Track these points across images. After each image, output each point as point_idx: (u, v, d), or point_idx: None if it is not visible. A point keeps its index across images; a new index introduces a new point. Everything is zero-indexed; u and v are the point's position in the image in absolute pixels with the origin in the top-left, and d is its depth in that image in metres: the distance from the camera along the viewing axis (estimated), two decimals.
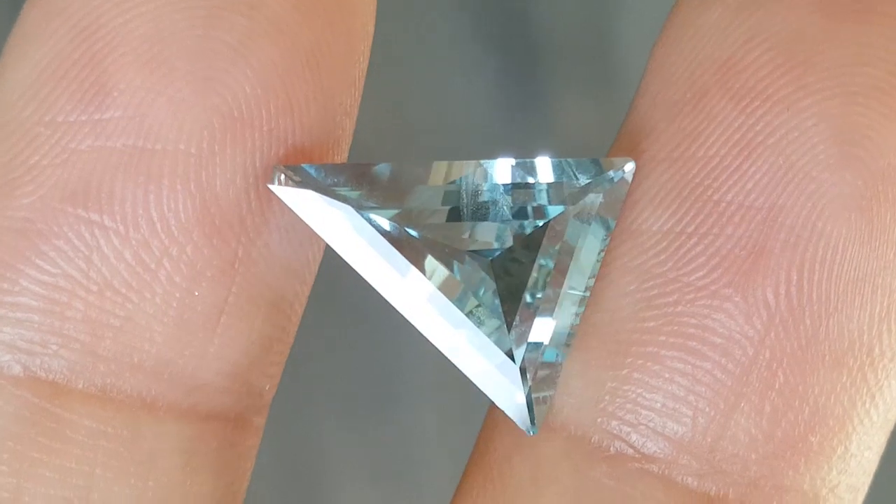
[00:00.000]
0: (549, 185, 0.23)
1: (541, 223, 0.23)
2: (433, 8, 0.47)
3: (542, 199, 0.23)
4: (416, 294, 0.23)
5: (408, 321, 0.23)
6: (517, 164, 0.23)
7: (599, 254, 0.23)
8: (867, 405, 0.23)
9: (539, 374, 0.23)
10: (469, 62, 0.48)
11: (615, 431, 0.23)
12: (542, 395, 0.23)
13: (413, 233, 0.22)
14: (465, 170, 0.23)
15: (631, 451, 0.23)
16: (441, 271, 0.23)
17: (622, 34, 0.47)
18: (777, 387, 0.22)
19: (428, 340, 0.23)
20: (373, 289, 0.22)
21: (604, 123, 0.23)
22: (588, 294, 0.23)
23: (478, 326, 0.23)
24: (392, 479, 0.48)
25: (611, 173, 0.22)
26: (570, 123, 0.47)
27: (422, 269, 0.22)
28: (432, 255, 0.23)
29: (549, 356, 0.23)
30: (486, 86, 0.48)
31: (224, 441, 0.23)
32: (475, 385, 0.23)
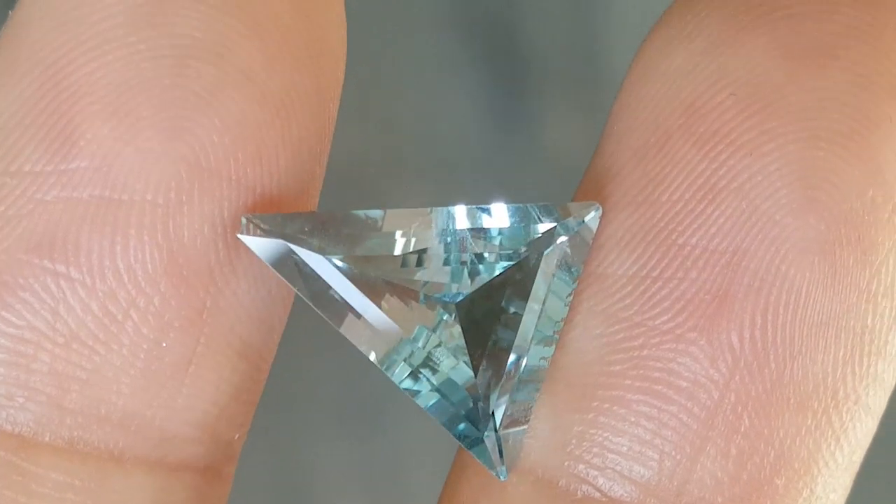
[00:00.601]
0: (509, 229, 0.23)
1: (504, 266, 0.23)
2: (421, 28, 0.47)
3: (510, 243, 0.23)
4: (380, 338, 0.23)
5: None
6: (482, 209, 0.23)
7: (567, 297, 0.23)
8: (832, 448, 0.23)
9: (508, 416, 0.23)
10: (458, 82, 0.48)
11: (582, 475, 0.23)
12: (511, 437, 0.23)
13: (376, 277, 0.22)
14: (432, 216, 0.23)
15: (598, 494, 0.23)
16: (404, 313, 0.23)
17: (611, 54, 0.48)
18: (742, 430, 0.23)
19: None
20: None
21: (592, 143, 0.23)
22: (556, 337, 0.23)
23: (446, 371, 0.23)
24: (383, 493, 0.48)
25: (576, 219, 0.23)
26: (558, 143, 0.48)
27: (385, 312, 0.22)
28: (396, 297, 0.23)
29: (518, 399, 0.23)
30: (475, 105, 0.48)
31: (193, 492, 0.23)
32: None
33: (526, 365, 0.23)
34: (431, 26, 0.47)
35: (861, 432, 0.23)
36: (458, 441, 0.23)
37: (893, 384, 0.24)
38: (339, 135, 0.24)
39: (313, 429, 0.48)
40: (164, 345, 0.22)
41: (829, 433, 0.23)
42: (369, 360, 0.23)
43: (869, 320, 0.23)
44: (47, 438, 0.22)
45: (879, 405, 0.23)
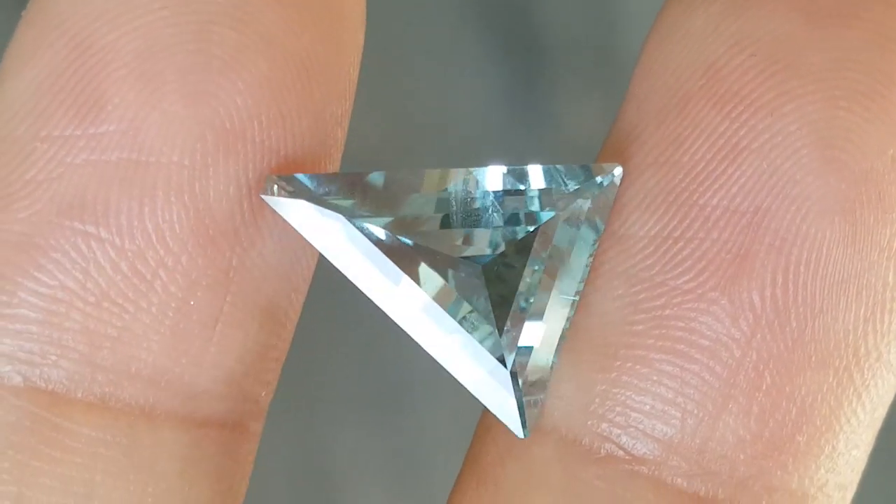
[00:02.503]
0: (539, 191, 0.23)
1: (532, 229, 0.23)
2: (435, 11, 0.48)
3: (533, 205, 0.23)
4: (408, 302, 0.23)
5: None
6: (508, 171, 0.23)
7: (588, 258, 0.23)
8: (854, 404, 0.23)
9: (530, 378, 0.23)
10: (472, 65, 0.48)
11: (605, 434, 0.23)
12: (533, 398, 0.23)
13: (406, 241, 0.23)
14: (457, 177, 0.23)
15: (621, 452, 0.23)
16: (434, 279, 0.23)
17: (625, 35, 0.48)
18: (764, 388, 0.23)
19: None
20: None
21: (607, 125, 0.24)
22: (578, 298, 0.23)
23: (470, 332, 0.23)
24: (402, 481, 0.48)
25: (599, 179, 0.23)
26: (573, 125, 0.48)
27: (415, 277, 0.23)
28: (425, 262, 0.23)
29: (540, 360, 0.23)
30: (489, 88, 0.48)
31: (222, 447, 0.24)
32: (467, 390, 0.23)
33: (548, 326, 0.23)
34: (446, 10, 0.47)
35: (883, 389, 0.23)
36: (481, 403, 0.24)
37: None
38: (355, 124, 0.24)
39: (333, 417, 0.48)
40: (192, 303, 0.22)
41: (851, 390, 0.23)
42: (384, 326, 0.23)
43: (890, 278, 0.23)
44: (80, 395, 0.23)
45: None
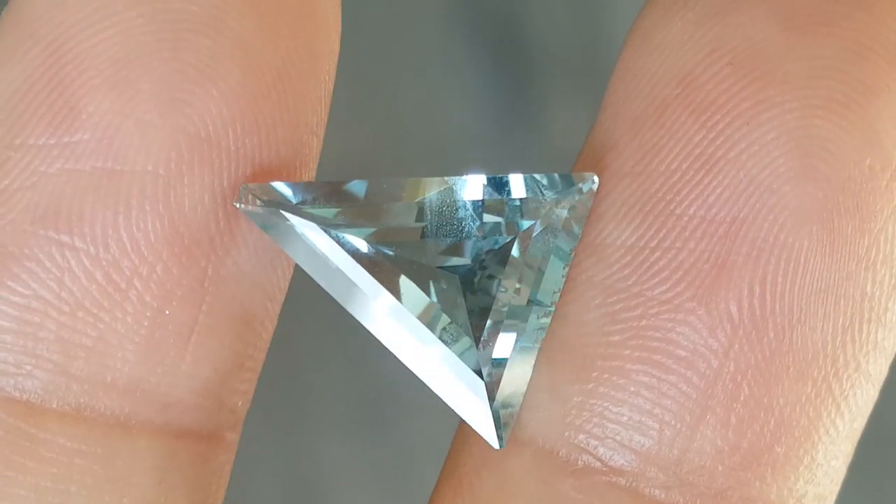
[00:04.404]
0: (520, 200, 0.23)
1: (510, 238, 0.23)
2: (422, 20, 0.48)
3: (513, 214, 0.23)
4: (386, 314, 0.23)
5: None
6: (488, 180, 0.23)
7: (564, 268, 0.23)
8: (832, 415, 0.23)
9: (506, 389, 0.23)
10: (458, 73, 0.48)
11: (582, 445, 0.23)
12: (508, 409, 0.23)
13: (385, 251, 0.23)
14: (437, 187, 0.23)
15: (598, 464, 0.23)
16: (413, 291, 0.23)
17: (613, 43, 0.48)
18: (742, 398, 0.23)
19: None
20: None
21: None
22: (553, 308, 0.23)
23: (449, 345, 0.23)
24: (391, 492, 0.48)
25: (575, 188, 0.23)
26: (560, 132, 0.48)
27: (394, 289, 0.23)
28: (405, 274, 0.23)
29: (515, 371, 0.23)
30: (476, 96, 0.48)
31: (198, 457, 0.24)
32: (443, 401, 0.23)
33: (524, 336, 0.23)
34: (432, 18, 0.47)
35: (862, 400, 0.23)
36: (457, 414, 0.23)
37: (894, 352, 0.23)
38: (340, 128, 0.24)
39: (322, 428, 0.48)
40: (167, 313, 0.22)
41: (830, 401, 0.23)
42: (369, 337, 0.23)
43: (868, 288, 0.23)
44: (55, 405, 0.23)
45: (880, 372, 0.23)
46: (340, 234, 0.22)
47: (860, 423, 0.24)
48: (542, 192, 0.23)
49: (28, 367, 0.22)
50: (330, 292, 0.23)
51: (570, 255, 0.23)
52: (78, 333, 0.22)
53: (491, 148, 0.47)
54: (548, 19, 0.48)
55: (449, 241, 0.23)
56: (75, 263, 0.22)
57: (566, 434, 0.23)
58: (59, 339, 0.22)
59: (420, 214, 0.23)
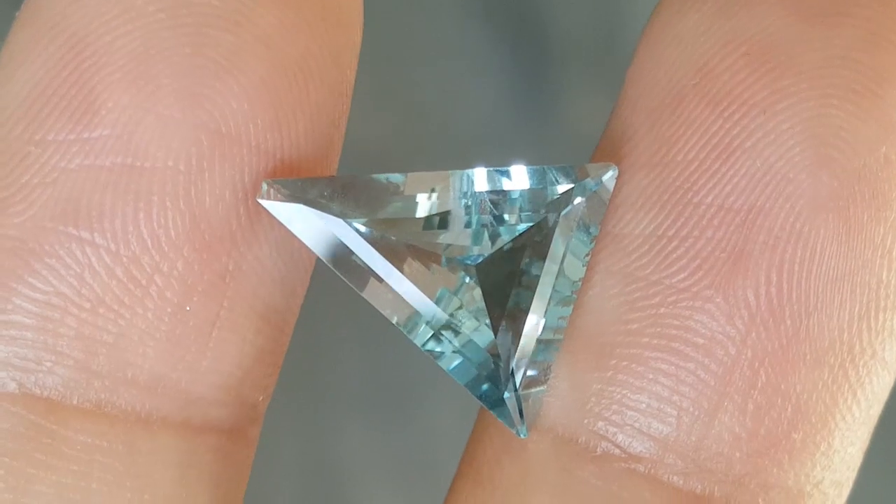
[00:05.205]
0: (528, 191, 0.23)
1: (522, 228, 0.23)
2: (440, 10, 0.47)
3: (527, 205, 0.23)
4: (402, 300, 0.23)
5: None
6: (501, 171, 0.23)
7: (584, 258, 0.23)
8: (849, 402, 0.23)
9: (528, 376, 0.23)
10: (477, 64, 0.48)
11: (602, 432, 0.24)
12: (531, 397, 0.23)
13: (407, 243, 0.23)
14: (450, 179, 0.23)
15: (617, 451, 0.23)
16: (426, 277, 0.23)
17: (632, 33, 0.48)
18: (759, 385, 0.23)
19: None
20: None
21: None
22: (574, 297, 0.23)
23: (467, 332, 0.23)
24: (410, 480, 0.48)
25: (593, 179, 0.23)
26: (579, 123, 0.48)
27: (416, 280, 0.23)
28: (418, 261, 0.23)
29: (537, 359, 0.23)
30: (495, 87, 0.48)
31: (219, 453, 0.24)
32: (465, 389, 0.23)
33: (545, 325, 0.23)
34: (451, 8, 0.47)
35: (878, 386, 0.23)
36: (479, 402, 0.24)
37: None
38: (360, 118, 0.24)
39: (344, 417, 0.48)
40: (189, 309, 0.22)
41: (846, 387, 0.23)
42: (392, 324, 0.23)
43: (884, 275, 0.23)
44: (75, 402, 0.22)
45: None
46: (362, 228, 0.22)
47: (876, 410, 0.24)
48: (557, 182, 0.23)
49: (49, 364, 0.22)
50: (352, 286, 0.23)
51: (589, 244, 0.23)
52: (98, 330, 0.22)
53: (510, 136, 0.47)
54: (567, 8, 0.48)
55: (462, 231, 0.23)
56: (96, 260, 0.22)
57: (585, 421, 0.24)
58: (80, 336, 0.22)
59: (434, 206, 0.23)
